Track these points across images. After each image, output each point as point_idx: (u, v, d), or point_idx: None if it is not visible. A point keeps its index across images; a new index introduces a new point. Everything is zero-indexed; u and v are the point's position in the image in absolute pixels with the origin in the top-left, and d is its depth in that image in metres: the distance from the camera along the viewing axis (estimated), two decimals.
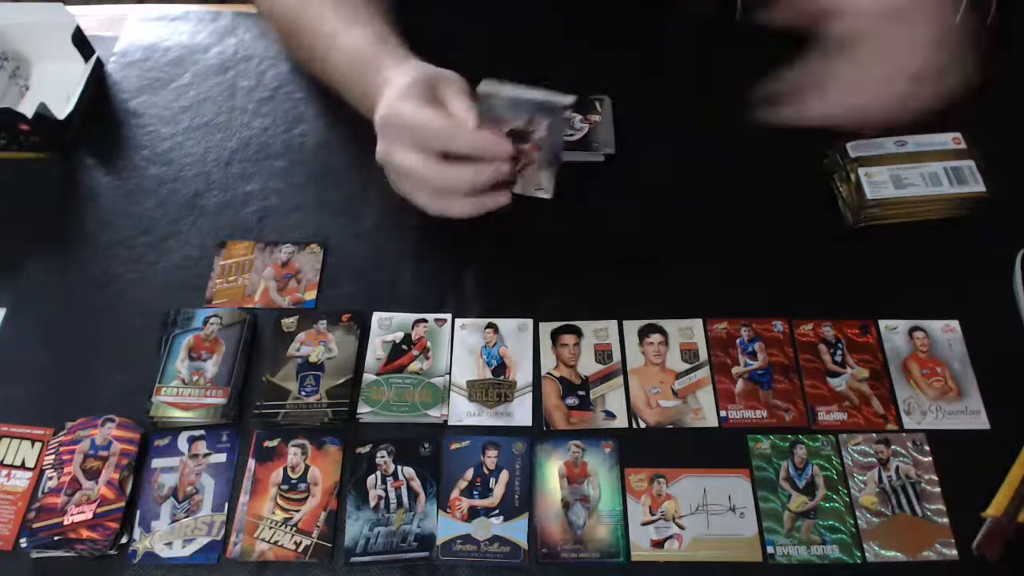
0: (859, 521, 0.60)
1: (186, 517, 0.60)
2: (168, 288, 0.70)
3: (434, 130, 0.59)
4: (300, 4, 0.73)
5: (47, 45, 0.82)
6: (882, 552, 0.59)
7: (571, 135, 0.75)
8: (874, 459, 0.62)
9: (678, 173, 0.77)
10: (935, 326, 0.68)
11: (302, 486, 0.61)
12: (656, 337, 0.68)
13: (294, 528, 0.59)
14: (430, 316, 0.69)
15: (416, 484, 0.61)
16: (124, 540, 0.59)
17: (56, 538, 0.57)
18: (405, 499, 0.61)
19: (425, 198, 0.62)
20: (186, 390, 0.64)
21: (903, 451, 0.63)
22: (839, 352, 0.67)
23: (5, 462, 0.62)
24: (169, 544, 0.59)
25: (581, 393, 0.65)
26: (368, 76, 0.66)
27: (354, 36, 0.68)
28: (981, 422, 0.64)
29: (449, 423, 0.64)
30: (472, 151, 0.59)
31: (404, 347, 0.67)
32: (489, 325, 0.69)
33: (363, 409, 0.64)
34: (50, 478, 0.60)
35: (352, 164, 0.79)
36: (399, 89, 0.60)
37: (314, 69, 0.76)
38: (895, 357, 0.67)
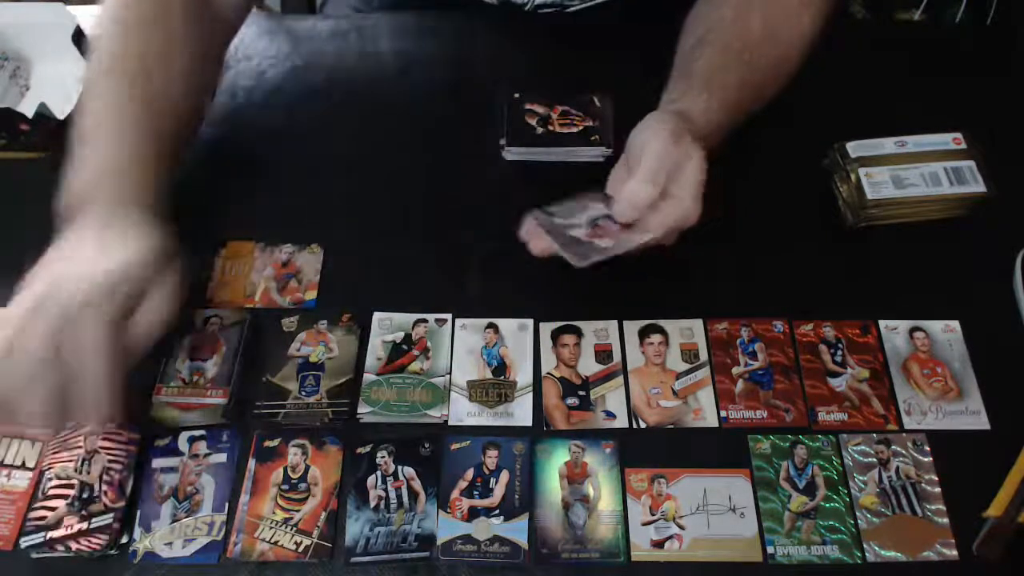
0: (859, 521, 0.60)
1: (186, 517, 0.60)
2: None
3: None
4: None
5: (47, 45, 0.82)
6: (882, 552, 0.59)
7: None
8: (874, 459, 0.62)
9: None
10: (935, 326, 0.69)
11: (302, 486, 0.61)
12: (656, 337, 0.68)
13: (294, 528, 0.59)
14: (430, 316, 0.69)
15: (416, 484, 0.61)
16: (124, 540, 0.59)
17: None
18: (405, 499, 0.61)
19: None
20: (186, 390, 0.64)
21: (903, 451, 0.63)
22: (839, 352, 0.67)
23: (5, 462, 0.62)
24: (169, 544, 0.59)
25: (581, 393, 0.65)
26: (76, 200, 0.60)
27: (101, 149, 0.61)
28: (981, 422, 0.64)
29: (449, 423, 0.64)
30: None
31: (404, 347, 0.67)
32: (489, 325, 0.69)
33: (363, 409, 0.64)
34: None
35: (352, 164, 0.79)
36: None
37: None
38: (895, 357, 0.67)
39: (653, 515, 0.60)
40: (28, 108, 0.74)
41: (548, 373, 0.66)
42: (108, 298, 0.55)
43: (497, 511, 0.60)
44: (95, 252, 0.57)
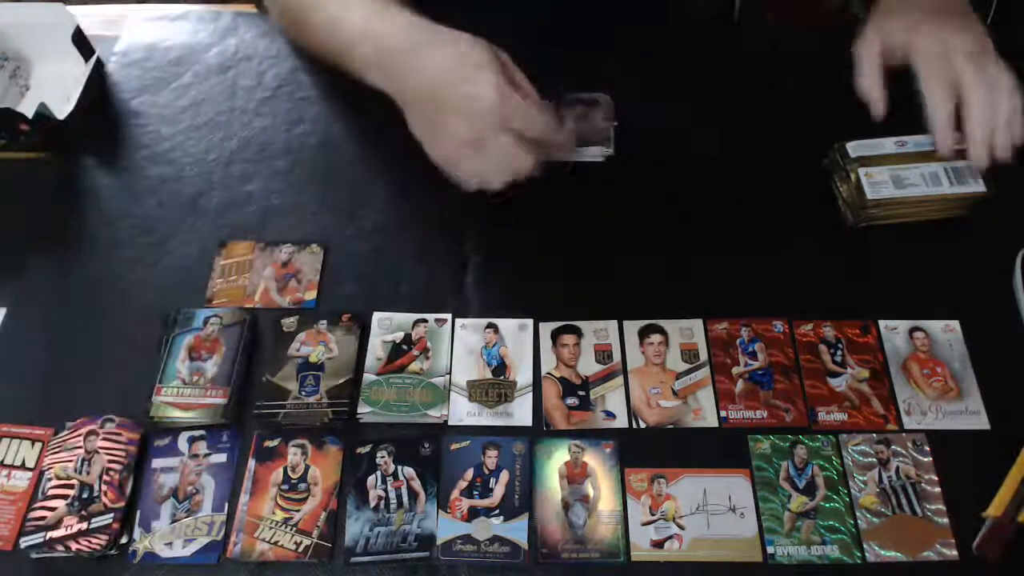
0: (859, 521, 0.60)
1: (186, 517, 0.60)
2: (168, 288, 0.70)
3: (534, 120, 0.62)
4: None
5: (47, 45, 0.82)
6: (882, 552, 0.59)
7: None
8: (874, 459, 0.62)
9: (678, 173, 0.77)
10: (935, 326, 0.68)
11: (302, 486, 0.61)
12: (656, 337, 0.68)
13: (294, 528, 0.59)
14: (430, 316, 0.69)
15: (416, 484, 0.61)
16: (124, 540, 0.59)
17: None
18: (405, 499, 0.61)
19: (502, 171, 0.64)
20: (186, 390, 0.64)
21: (903, 451, 0.63)
22: (839, 352, 0.67)
23: (5, 462, 0.62)
24: (169, 544, 0.59)
25: (581, 393, 0.65)
26: (385, 45, 0.67)
27: (360, 11, 0.68)
28: (981, 422, 0.64)
29: (449, 423, 0.64)
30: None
31: (404, 347, 0.67)
32: (489, 325, 0.69)
33: (363, 409, 0.64)
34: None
35: (353, 164, 0.79)
36: (494, 72, 0.62)
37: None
38: (895, 357, 0.67)
39: (653, 515, 0.60)
40: (28, 108, 0.74)
41: (548, 373, 0.66)
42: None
43: (497, 511, 0.60)
44: (448, 35, 0.66)
